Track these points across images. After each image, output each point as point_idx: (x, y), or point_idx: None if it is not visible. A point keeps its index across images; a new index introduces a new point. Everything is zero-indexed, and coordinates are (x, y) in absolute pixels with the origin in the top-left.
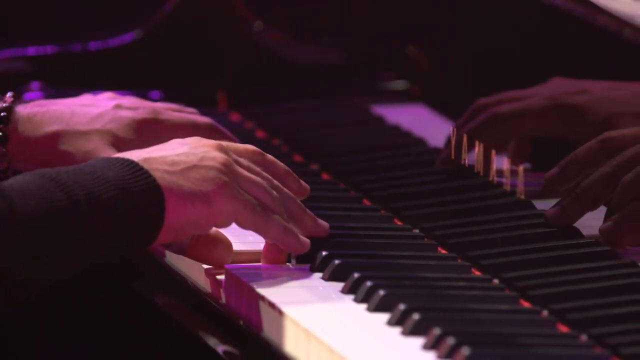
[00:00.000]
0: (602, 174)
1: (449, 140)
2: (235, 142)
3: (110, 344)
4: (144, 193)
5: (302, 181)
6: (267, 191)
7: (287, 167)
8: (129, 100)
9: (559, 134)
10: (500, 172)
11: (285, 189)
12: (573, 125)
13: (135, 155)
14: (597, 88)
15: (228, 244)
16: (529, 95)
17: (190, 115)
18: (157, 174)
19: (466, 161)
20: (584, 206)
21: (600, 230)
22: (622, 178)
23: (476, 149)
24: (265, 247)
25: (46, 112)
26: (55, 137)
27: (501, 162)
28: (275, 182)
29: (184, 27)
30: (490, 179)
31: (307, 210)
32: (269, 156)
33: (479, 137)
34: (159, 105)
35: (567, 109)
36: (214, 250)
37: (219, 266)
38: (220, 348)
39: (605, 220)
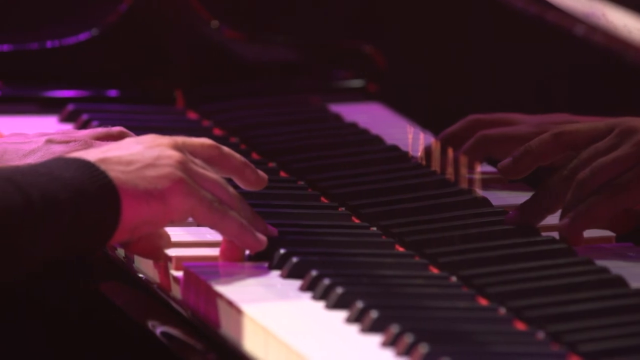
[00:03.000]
0: (561, 178)
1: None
2: None
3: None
4: (99, 194)
5: (259, 171)
6: (223, 187)
7: (244, 159)
8: (60, 135)
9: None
10: (457, 170)
11: (238, 195)
12: (558, 154)
13: (91, 155)
14: (586, 119)
15: (167, 237)
16: (520, 121)
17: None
18: (113, 174)
19: (438, 168)
20: (545, 208)
21: (557, 228)
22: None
23: (432, 146)
24: (222, 244)
25: None
26: None
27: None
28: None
29: (141, 26)
30: (448, 176)
31: (258, 215)
32: (225, 148)
33: (470, 157)
34: (89, 133)
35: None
36: (155, 243)
37: (161, 259)
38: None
39: (561, 217)
